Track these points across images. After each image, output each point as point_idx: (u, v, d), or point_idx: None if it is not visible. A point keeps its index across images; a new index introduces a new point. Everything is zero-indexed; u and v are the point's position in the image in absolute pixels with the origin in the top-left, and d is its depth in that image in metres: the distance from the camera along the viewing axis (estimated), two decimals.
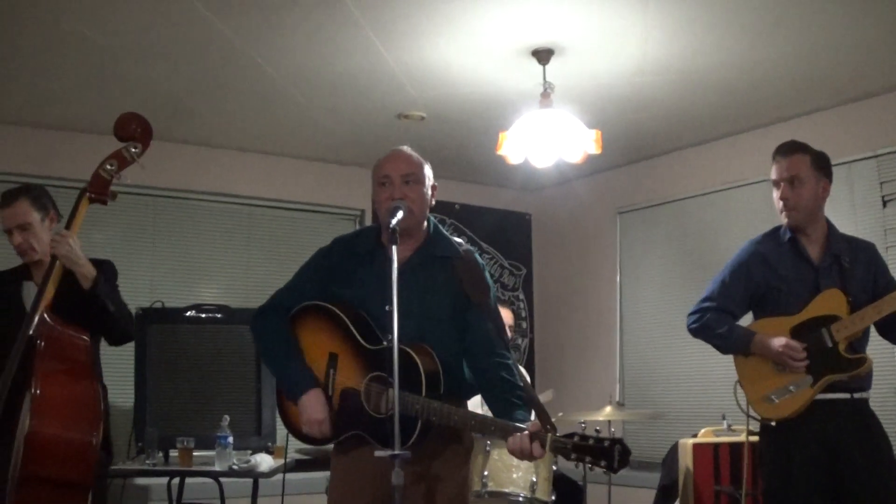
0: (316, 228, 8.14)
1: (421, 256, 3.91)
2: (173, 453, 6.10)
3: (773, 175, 4.68)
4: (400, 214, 3.67)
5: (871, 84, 6.36)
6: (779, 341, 4.48)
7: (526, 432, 3.48)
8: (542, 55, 5.74)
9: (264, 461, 5.97)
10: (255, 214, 8.08)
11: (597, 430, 3.47)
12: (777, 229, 4.79)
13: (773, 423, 4.54)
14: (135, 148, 4.44)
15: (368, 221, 8.22)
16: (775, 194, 4.67)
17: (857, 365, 4.39)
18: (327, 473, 4.08)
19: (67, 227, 4.48)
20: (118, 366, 6.80)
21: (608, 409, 6.19)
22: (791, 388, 4.46)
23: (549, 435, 3.44)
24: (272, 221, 8.14)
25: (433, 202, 3.99)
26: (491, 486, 5.61)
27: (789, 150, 4.67)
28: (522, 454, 3.50)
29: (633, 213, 8.44)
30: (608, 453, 3.30)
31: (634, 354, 8.30)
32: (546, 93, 5.82)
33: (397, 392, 3.35)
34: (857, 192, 6.59)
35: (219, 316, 6.50)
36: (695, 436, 6.20)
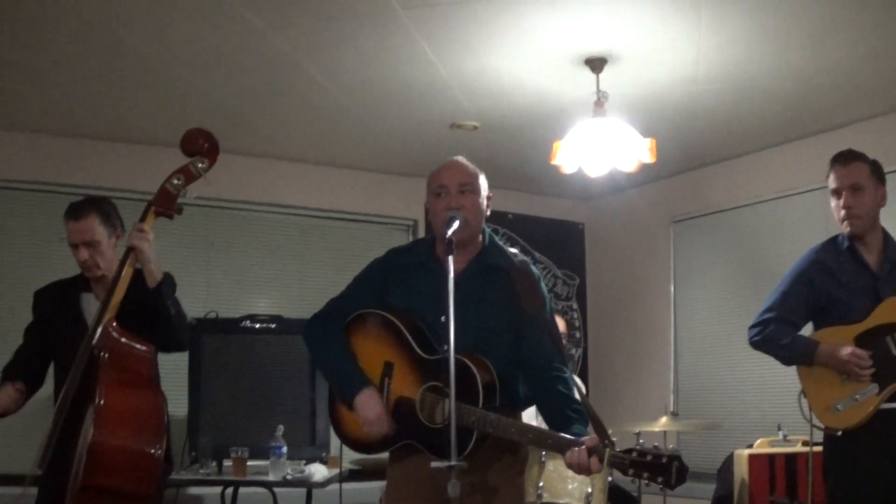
0: (369, 238, 8.14)
1: (476, 267, 3.89)
2: (227, 463, 6.13)
3: (834, 184, 4.64)
4: (456, 224, 3.66)
5: None
6: (845, 350, 4.44)
7: (584, 447, 3.46)
8: (596, 64, 5.72)
9: (318, 471, 5.98)
10: (310, 225, 8.10)
11: (655, 446, 3.43)
12: (835, 238, 4.76)
13: (839, 433, 4.50)
14: (201, 163, 4.42)
15: (422, 231, 8.22)
16: (836, 203, 4.63)
17: None
18: (381, 484, 4.08)
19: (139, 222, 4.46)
20: (172, 375, 6.81)
21: (663, 419, 6.16)
22: (857, 397, 4.41)
23: (607, 450, 3.41)
24: (326, 232, 8.16)
25: (488, 212, 3.98)
26: (546, 497, 5.60)
27: (848, 158, 4.64)
28: (580, 468, 3.47)
29: (688, 222, 8.39)
30: (666, 469, 3.27)
31: (689, 364, 8.24)
32: (600, 101, 5.79)
33: (453, 402, 3.34)
34: None
35: (273, 326, 6.53)
36: (750, 446, 6.15)
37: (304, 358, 6.35)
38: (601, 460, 3.40)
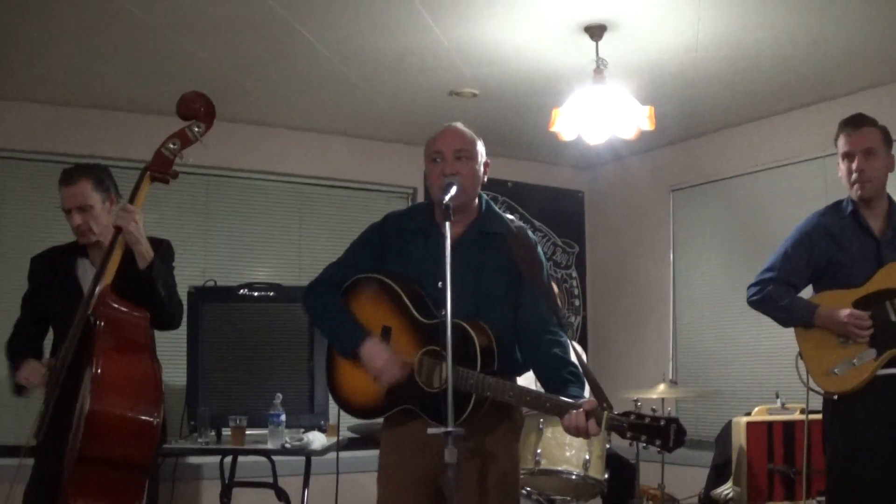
0: (368, 206, 8.12)
1: (473, 233, 3.89)
2: (226, 432, 6.14)
3: (845, 147, 4.63)
4: (453, 191, 3.65)
5: None
6: (843, 311, 4.44)
7: (582, 409, 3.46)
8: (595, 31, 5.68)
9: (317, 439, 5.99)
10: (308, 193, 8.09)
11: (653, 409, 3.44)
12: (839, 203, 4.75)
13: (836, 397, 4.50)
14: (198, 127, 4.38)
15: (421, 199, 8.20)
16: (847, 166, 4.61)
17: None
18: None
19: (129, 202, 4.40)
20: (170, 344, 6.83)
21: (661, 386, 6.18)
22: (854, 361, 4.42)
23: (605, 412, 3.42)
24: (324, 200, 8.15)
25: (486, 179, 3.98)
26: (544, 464, 5.61)
27: (860, 122, 4.63)
28: (578, 431, 3.48)
29: (687, 191, 8.38)
30: (664, 432, 3.28)
31: (687, 332, 8.26)
32: (599, 69, 5.77)
33: (451, 367, 3.34)
34: None
35: (271, 294, 6.52)
36: (748, 414, 6.16)
37: (303, 326, 6.37)
38: (599, 423, 3.41)
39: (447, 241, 3.45)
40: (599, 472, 5.75)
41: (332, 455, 6.05)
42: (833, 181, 6.17)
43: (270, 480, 6.35)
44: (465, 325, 3.62)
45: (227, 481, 6.41)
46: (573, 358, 3.78)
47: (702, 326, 8.10)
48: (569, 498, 5.83)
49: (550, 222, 9.10)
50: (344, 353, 3.91)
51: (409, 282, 3.86)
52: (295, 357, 6.41)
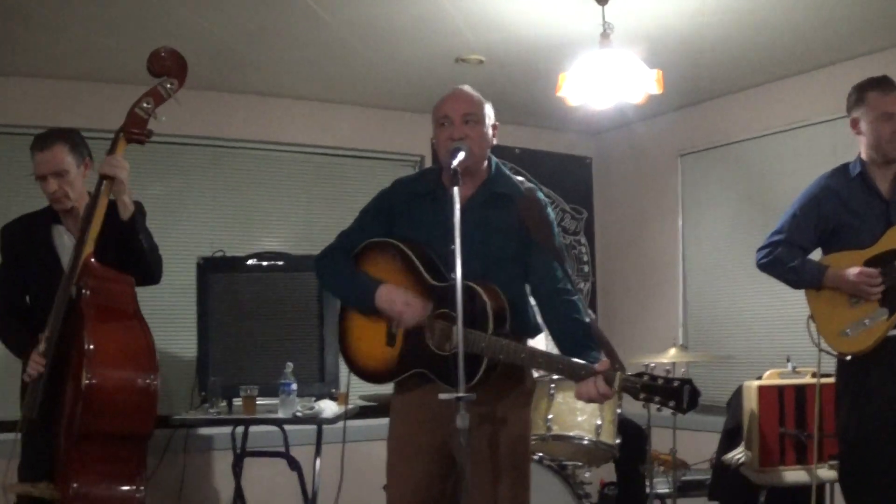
0: (376, 175, 8.07)
1: (482, 195, 3.88)
2: (237, 402, 6.15)
3: (886, 108, 4.58)
4: (461, 156, 3.64)
5: None
6: (853, 270, 4.44)
7: (599, 375, 3.45)
8: None
9: (328, 407, 6.00)
10: (315, 162, 8.05)
11: (666, 371, 3.43)
12: (846, 165, 4.74)
13: (848, 359, 4.49)
14: (170, 84, 4.33)
15: (429, 166, 8.18)
16: (891, 127, 4.58)
17: None
18: None
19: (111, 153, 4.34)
20: (180, 315, 6.87)
21: (672, 351, 6.16)
22: (866, 321, 4.41)
23: (618, 374, 3.41)
24: (332, 169, 8.12)
25: (494, 141, 3.96)
26: (555, 430, 5.62)
27: (892, 84, 4.63)
28: (590, 396, 3.48)
29: (695, 156, 8.33)
30: (677, 393, 3.26)
31: (697, 297, 8.24)
32: (605, 33, 5.72)
33: (461, 330, 3.34)
34: None
35: (280, 264, 6.52)
36: (759, 378, 6.15)
37: (313, 295, 6.37)
38: (611, 384, 3.40)
39: (456, 205, 3.45)
40: (611, 438, 5.75)
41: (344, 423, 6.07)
42: (842, 144, 6.16)
43: (282, 450, 6.35)
44: (476, 287, 3.61)
45: (238, 451, 6.44)
46: (587, 319, 3.78)
47: (712, 291, 8.08)
48: (580, 463, 5.84)
49: (558, 188, 9.06)
50: (361, 307, 3.91)
51: (420, 245, 3.86)
52: (305, 326, 6.41)
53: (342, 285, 4.03)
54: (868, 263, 4.46)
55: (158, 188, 7.15)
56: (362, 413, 6.49)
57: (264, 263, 6.51)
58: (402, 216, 3.98)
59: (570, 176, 9.23)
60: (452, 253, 3.41)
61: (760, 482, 5.73)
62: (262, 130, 7.72)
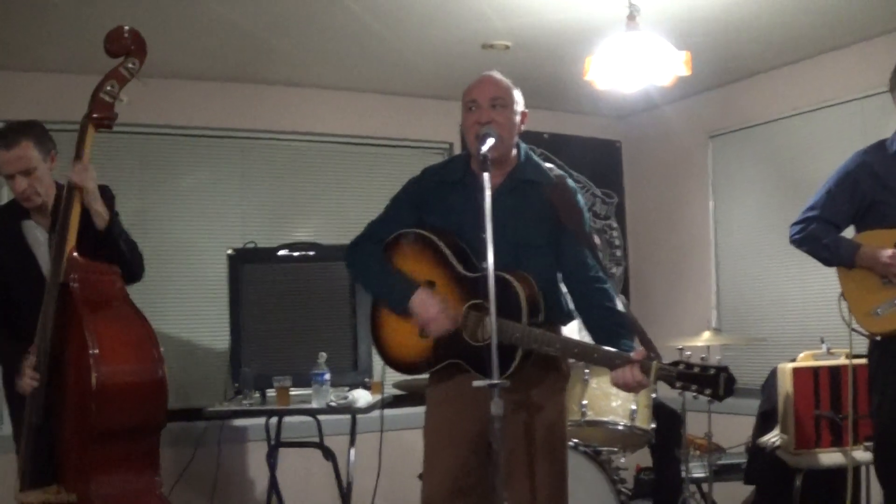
0: (405, 163, 8.05)
1: (512, 182, 3.87)
2: (270, 392, 6.17)
3: None
4: (490, 142, 3.63)
5: None
6: (886, 252, 4.40)
7: (635, 364, 3.43)
8: None
9: (362, 397, 5.99)
10: (344, 152, 8.04)
11: (702, 358, 3.40)
12: (883, 142, 4.69)
13: (879, 339, 4.46)
14: (132, 63, 4.26)
15: (457, 154, 8.16)
16: None
17: None
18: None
19: (77, 158, 4.16)
20: (213, 307, 6.89)
21: (706, 334, 6.12)
22: None
23: (654, 363, 3.39)
24: (361, 158, 8.10)
25: (522, 127, 3.94)
26: (590, 415, 5.60)
27: None
28: (626, 384, 3.46)
29: (725, 137, 8.27)
30: (713, 381, 3.25)
31: (730, 279, 8.19)
32: (632, 15, 5.69)
33: (494, 320, 3.32)
34: None
35: (311, 254, 6.52)
36: (793, 360, 6.12)
37: (345, 284, 6.36)
38: (647, 373, 3.39)
39: (487, 191, 3.42)
40: (646, 422, 5.73)
41: (377, 413, 6.06)
42: (872, 123, 6.11)
43: (316, 440, 6.36)
44: (508, 276, 3.60)
45: (273, 442, 6.44)
46: (620, 306, 3.77)
47: (744, 273, 8.03)
48: (616, 448, 5.83)
49: (588, 173, 9.02)
50: (395, 308, 3.90)
51: (450, 235, 3.85)
52: (337, 315, 6.41)
53: (376, 282, 4.02)
54: None
55: (189, 181, 7.17)
56: (396, 401, 6.49)
57: (296, 254, 6.51)
58: (432, 204, 3.97)
59: (600, 160, 9.19)
60: (483, 241, 3.39)
61: (796, 465, 5.71)
62: (290, 121, 7.72)
